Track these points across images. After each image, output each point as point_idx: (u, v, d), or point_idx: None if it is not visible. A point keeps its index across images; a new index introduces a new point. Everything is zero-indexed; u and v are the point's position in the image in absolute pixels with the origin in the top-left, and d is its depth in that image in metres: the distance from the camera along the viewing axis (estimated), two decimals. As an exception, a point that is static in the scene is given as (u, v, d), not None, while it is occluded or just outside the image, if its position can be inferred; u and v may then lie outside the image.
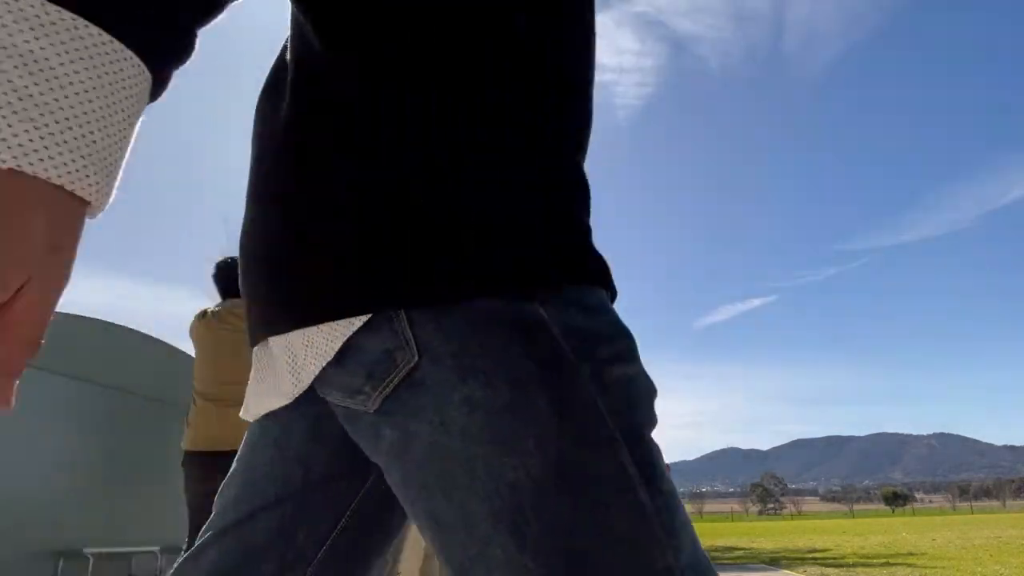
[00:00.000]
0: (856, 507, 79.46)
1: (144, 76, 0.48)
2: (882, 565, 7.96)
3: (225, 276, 3.31)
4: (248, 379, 0.75)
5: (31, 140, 0.42)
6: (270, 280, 0.61)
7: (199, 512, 3.23)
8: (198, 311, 3.30)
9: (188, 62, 0.52)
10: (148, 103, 0.50)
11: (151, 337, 12.53)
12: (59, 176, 0.43)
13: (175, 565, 0.75)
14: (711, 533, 25.49)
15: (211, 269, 3.33)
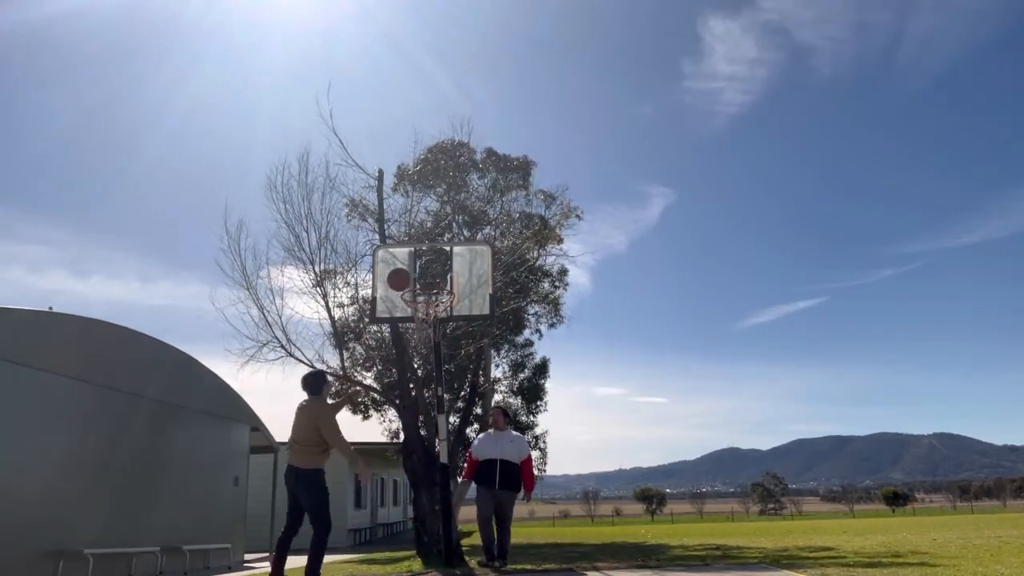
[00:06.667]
0: (856, 507, 79.27)
1: None
2: (883, 565, 7.95)
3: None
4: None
5: None
6: None
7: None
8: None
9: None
10: None
11: (153, 338, 12.53)
12: None
13: None
14: (711, 533, 25.45)
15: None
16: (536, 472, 20.41)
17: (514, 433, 8.28)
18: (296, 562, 6.36)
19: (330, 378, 6.82)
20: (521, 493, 8.14)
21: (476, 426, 16.41)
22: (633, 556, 10.87)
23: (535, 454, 19.85)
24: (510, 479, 7.74)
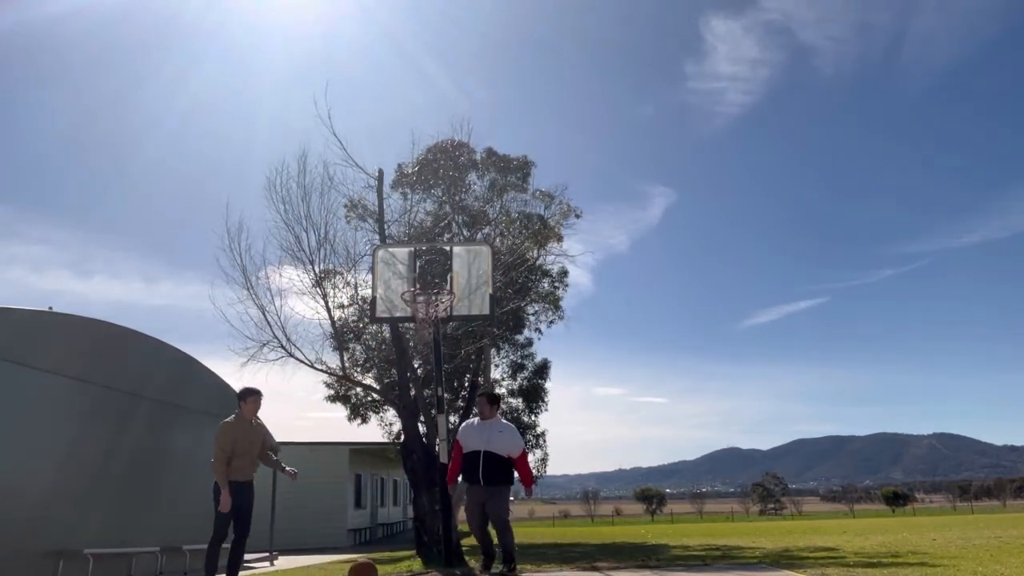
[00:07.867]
0: (856, 507, 79.29)
1: None
2: (883, 565, 7.95)
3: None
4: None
5: None
6: None
7: None
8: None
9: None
10: None
11: (153, 338, 12.52)
12: None
13: None
14: (711, 533, 25.45)
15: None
16: (535, 472, 20.42)
17: (504, 422, 7.18)
18: (293, 563, 6.39)
19: (255, 394, 6.91)
20: (517, 487, 7.33)
21: (476, 426, 16.41)
22: (633, 556, 10.87)
23: (537, 453, 19.79)
24: (497, 473, 6.79)
